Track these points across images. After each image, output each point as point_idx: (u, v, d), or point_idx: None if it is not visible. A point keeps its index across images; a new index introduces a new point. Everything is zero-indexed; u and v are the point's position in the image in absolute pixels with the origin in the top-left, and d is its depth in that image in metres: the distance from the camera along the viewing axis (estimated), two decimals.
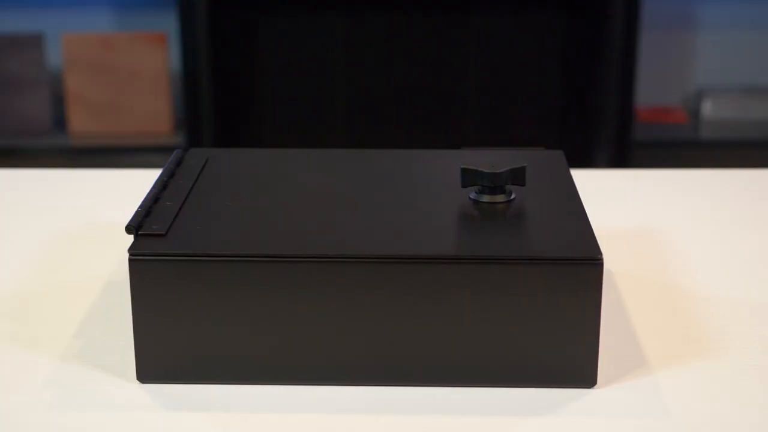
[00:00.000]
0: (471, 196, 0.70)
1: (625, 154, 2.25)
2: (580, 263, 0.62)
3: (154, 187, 0.71)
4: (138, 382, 0.64)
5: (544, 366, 0.63)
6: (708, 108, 2.36)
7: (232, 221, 0.67)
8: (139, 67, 2.28)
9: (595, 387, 0.64)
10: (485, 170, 0.68)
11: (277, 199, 0.71)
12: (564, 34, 2.31)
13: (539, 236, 0.65)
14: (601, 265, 0.62)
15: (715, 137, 2.34)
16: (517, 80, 2.33)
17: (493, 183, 0.69)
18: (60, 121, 2.34)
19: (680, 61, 2.43)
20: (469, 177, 0.69)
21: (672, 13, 2.40)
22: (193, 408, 0.62)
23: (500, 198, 0.69)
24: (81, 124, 2.31)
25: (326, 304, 0.62)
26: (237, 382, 0.64)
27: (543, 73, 2.33)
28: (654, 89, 2.42)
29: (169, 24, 2.28)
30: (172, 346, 0.63)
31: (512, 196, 0.70)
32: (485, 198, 0.69)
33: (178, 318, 0.63)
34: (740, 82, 2.41)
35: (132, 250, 0.62)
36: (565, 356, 0.63)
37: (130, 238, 0.65)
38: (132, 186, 0.96)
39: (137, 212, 0.66)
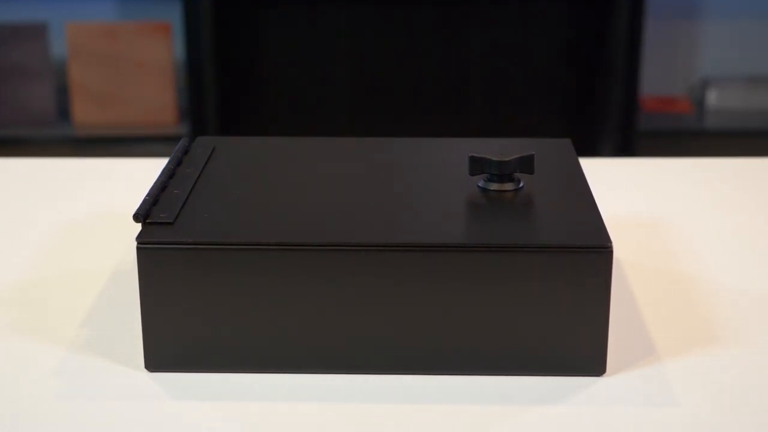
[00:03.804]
0: (479, 185, 0.70)
1: (629, 143, 2.24)
2: (590, 251, 0.61)
3: (161, 175, 0.71)
4: (146, 370, 0.64)
5: (553, 354, 0.63)
6: (713, 97, 2.36)
7: (240, 209, 0.67)
8: (144, 57, 2.28)
9: (603, 375, 0.64)
10: (493, 158, 0.68)
11: (284, 188, 0.71)
12: (569, 24, 2.30)
13: (548, 224, 0.65)
14: (611, 253, 0.61)
15: (720, 127, 2.34)
16: (522, 69, 2.33)
17: (502, 171, 0.68)
18: (64, 111, 2.34)
19: (685, 51, 2.42)
20: (477, 165, 0.69)
21: (677, 3, 2.40)
22: (201, 396, 0.62)
23: (508, 186, 0.69)
24: (85, 114, 2.31)
25: (334, 293, 0.62)
26: (245, 371, 0.64)
27: (548, 62, 2.33)
28: (659, 79, 2.42)
29: (173, 14, 2.28)
30: (180, 334, 0.63)
31: (521, 185, 0.70)
32: (493, 186, 0.69)
33: (186, 306, 0.63)
34: (745, 72, 2.40)
35: (140, 239, 0.62)
36: (574, 344, 0.63)
37: (138, 227, 0.64)
38: (138, 175, 0.96)
39: (144, 201, 0.66)
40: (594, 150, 2.28)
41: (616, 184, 0.97)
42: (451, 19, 2.30)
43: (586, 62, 2.31)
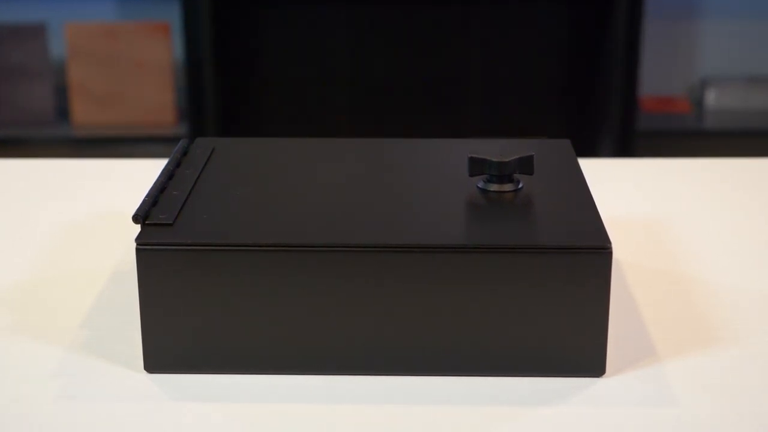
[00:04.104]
0: (479, 185, 0.70)
1: (629, 143, 2.24)
2: (589, 252, 0.61)
3: (160, 176, 0.71)
4: (145, 372, 0.64)
5: (553, 355, 0.63)
6: (712, 97, 2.36)
7: (239, 211, 0.67)
8: (143, 57, 2.28)
9: (603, 376, 0.64)
10: (493, 159, 0.68)
11: (283, 189, 0.71)
12: (568, 23, 2.30)
13: (547, 225, 0.65)
14: (610, 253, 0.61)
15: (720, 127, 2.33)
16: (521, 69, 2.33)
17: (501, 172, 0.68)
18: (63, 112, 2.34)
19: (684, 51, 2.42)
20: (476, 166, 0.69)
21: (676, 3, 2.40)
22: (200, 398, 0.62)
23: (508, 187, 0.69)
24: (84, 114, 2.31)
25: (333, 294, 0.62)
26: (244, 372, 0.64)
27: (547, 62, 2.33)
28: (658, 79, 2.42)
29: (172, 14, 2.28)
30: (179, 336, 0.63)
31: (520, 185, 0.70)
32: (493, 187, 0.69)
33: (185, 308, 0.62)
34: (744, 72, 2.40)
35: (139, 240, 0.62)
36: (574, 345, 0.63)
37: (137, 228, 0.64)
38: (138, 176, 0.96)
39: (144, 202, 0.66)
40: (593, 150, 2.28)
41: (616, 184, 0.97)
42: (451, 19, 2.30)
43: (586, 62, 2.31)
